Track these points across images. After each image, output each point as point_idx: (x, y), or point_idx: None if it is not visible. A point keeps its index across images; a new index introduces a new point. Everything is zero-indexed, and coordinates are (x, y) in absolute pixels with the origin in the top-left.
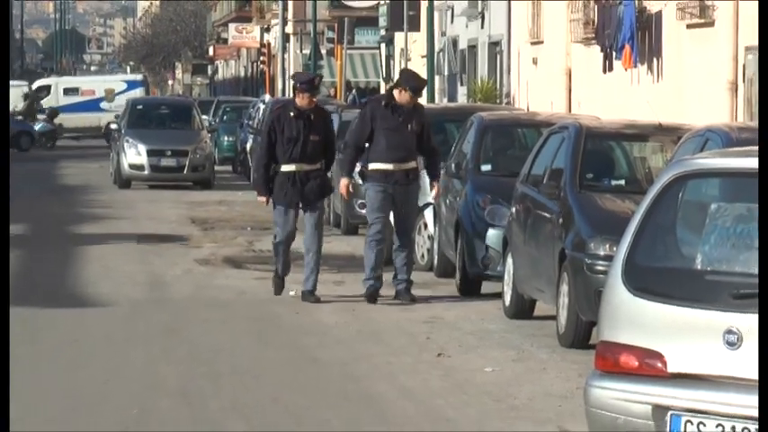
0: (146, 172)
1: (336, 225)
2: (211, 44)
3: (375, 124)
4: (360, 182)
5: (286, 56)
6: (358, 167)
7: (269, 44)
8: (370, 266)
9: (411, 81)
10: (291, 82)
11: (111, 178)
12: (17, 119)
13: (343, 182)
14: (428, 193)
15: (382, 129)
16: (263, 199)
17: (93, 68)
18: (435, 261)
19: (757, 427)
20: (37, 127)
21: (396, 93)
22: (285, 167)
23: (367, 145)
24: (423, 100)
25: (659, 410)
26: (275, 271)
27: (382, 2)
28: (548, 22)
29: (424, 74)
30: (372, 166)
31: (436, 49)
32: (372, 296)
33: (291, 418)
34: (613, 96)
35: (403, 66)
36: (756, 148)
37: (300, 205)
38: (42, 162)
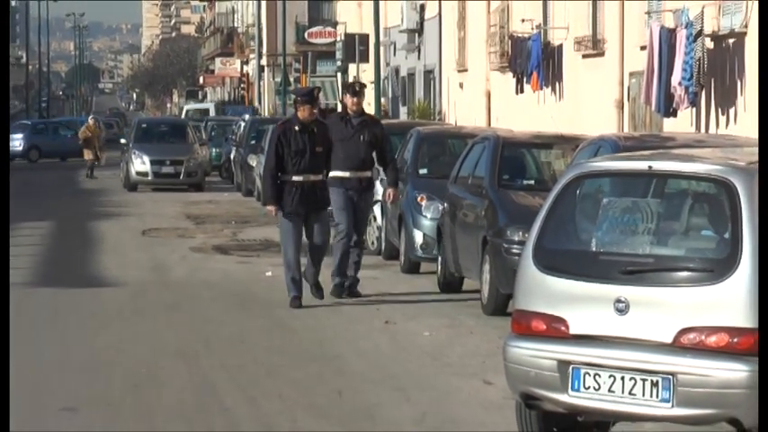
0: (149, 178)
1: None
2: (201, 74)
3: (332, 136)
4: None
5: (261, 83)
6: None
7: (247, 74)
8: (337, 264)
9: (348, 86)
10: (292, 97)
11: (121, 183)
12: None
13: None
14: (378, 193)
15: (338, 140)
16: (273, 209)
17: (106, 92)
18: (383, 247)
19: (643, 377)
20: None
21: (346, 101)
22: (293, 178)
23: None
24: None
25: (563, 365)
26: (294, 297)
27: (338, 39)
28: (471, 54)
29: (372, 97)
30: (332, 173)
31: (382, 76)
32: (338, 291)
33: (269, 375)
34: (524, 113)
35: None
36: (639, 153)
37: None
38: (64, 170)
